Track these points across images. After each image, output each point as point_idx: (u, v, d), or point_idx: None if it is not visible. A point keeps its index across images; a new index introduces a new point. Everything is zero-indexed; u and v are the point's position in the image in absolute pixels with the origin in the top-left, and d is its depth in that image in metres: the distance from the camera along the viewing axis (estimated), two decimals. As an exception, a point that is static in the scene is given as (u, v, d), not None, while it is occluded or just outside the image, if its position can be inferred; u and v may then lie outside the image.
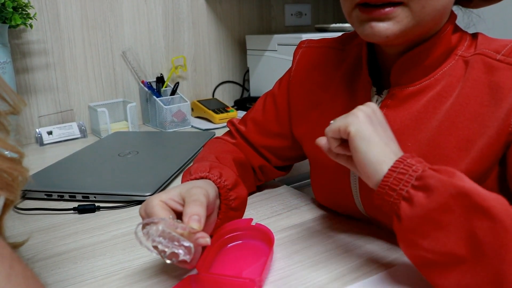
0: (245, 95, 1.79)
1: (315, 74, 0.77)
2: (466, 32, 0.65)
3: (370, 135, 0.52)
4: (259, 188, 0.89)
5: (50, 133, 1.32)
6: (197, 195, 0.56)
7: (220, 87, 1.74)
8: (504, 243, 0.43)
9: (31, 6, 1.18)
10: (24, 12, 1.15)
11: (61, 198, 0.87)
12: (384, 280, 0.57)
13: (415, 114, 0.62)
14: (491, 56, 0.59)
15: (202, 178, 0.66)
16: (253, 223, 0.66)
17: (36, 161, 1.13)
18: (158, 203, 0.56)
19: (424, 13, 0.55)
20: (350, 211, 0.73)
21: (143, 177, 0.92)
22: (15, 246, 0.51)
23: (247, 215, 0.75)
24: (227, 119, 1.20)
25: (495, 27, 1.20)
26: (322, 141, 0.57)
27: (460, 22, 0.65)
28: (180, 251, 0.51)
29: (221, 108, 1.51)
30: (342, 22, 1.65)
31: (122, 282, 0.59)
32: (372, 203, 0.67)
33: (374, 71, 0.68)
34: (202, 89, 1.69)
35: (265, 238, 0.64)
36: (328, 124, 0.56)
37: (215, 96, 1.72)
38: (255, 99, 1.62)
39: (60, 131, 1.34)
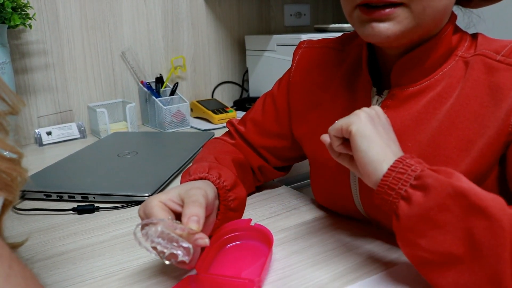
0: (244, 95, 1.79)
1: (315, 74, 0.77)
2: (466, 33, 0.65)
3: (371, 134, 0.53)
4: (259, 189, 0.89)
5: (49, 133, 1.32)
6: (196, 196, 0.56)
7: (219, 87, 1.74)
8: (501, 242, 0.44)
9: (30, 6, 1.18)
10: (23, 12, 1.15)
11: (60, 199, 0.87)
12: (383, 280, 0.57)
13: (415, 115, 0.62)
14: (491, 56, 0.59)
15: (201, 178, 0.65)
16: (252, 224, 0.66)
17: (35, 162, 1.13)
18: (157, 204, 0.56)
19: (425, 14, 0.55)
20: (350, 211, 0.73)
21: (142, 178, 0.92)
22: (14, 247, 0.51)
23: (246, 215, 0.75)
24: (226, 120, 1.20)
25: (495, 28, 1.20)
26: (325, 137, 0.58)
27: (460, 22, 0.65)
28: (179, 252, 0.51)
29: (220, 109, 1.51)
30: (341, 23, 1.65)
31: (121, 283, 0.59)
32: (371, 204, 0.67)
33: (374, 72, 0.68)
34: (201, 89, 1.69)
35: (264, 238, 0.64)
36: (328, 124, 0.58)
37: (214, 97, 1.72)
38: (254, 99, 1.62)
39: (59, 132, 1.34)
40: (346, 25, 1.52)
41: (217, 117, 1.47)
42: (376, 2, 0.55)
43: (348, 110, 0.57)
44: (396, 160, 0.51)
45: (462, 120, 0.59)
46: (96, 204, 0.83)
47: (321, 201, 0.78)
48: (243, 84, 1.79)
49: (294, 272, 0.60)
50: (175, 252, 0.51)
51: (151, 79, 1.52)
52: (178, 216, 0.56)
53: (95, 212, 0.82)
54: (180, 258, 0.52)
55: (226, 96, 1.76)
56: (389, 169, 0.51)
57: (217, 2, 1.66)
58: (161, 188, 0.88)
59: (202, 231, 0.54)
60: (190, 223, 0.53)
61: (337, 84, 0.73)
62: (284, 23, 1.86)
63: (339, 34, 0.79)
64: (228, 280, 0.56)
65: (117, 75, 1.49)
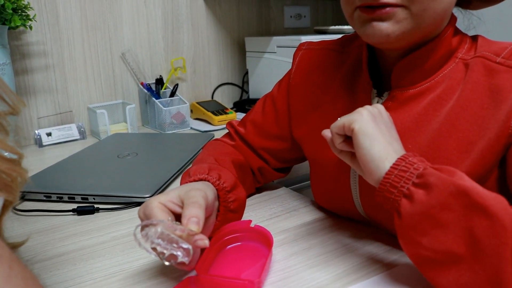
0: (244, 97, 1.79)
1: (315, 76, 0.77)
2: (466, 35, 0.65)
3: (373, 132, 0.53)
4: (258, 190, 0.89)
5: (49, 134, 1.32)
6: (196, 197, 0.56)
7: (219, 89, 1.74)
8: (503, 241, 0.44)
9: (30, 7, 1.18)
10: (23, 13, 1.15)
11: (60, 200, 0.87)
12: (384, 281, 0.57)
13: (416, 117, 0.62)
14: (491, 58, 0.59)
15: (201, 180, 0.65)
16: (252, 225, 0.66)
17: (35, 163, 1.13)
18: (157, 205, 0.56)
19: (424, 15, 0.55)
20: (350, 213, 0.73)
21: (142, 179, 0.92)
22: (14, 246, 0.51)
23: (246, 217, 0.75)
24: (226, 121, 1.20)
25: (495, 29, 1.21)
26: (327, 133, 0.58)
27: (460, 24, 0.66)
28: (179, 253, 0.51)
29: (220, 110, 1.51)
30: (341, 24, 1.65)
31: (121, 284, 0.59)
32: (371, 205, 0.67)
33: (374, 73, 0.69)
34: (201, 91, 1.70)
35: (264, 239, 0.64)
36: (328, 126, 0.58)
37: (214, 98, 1.72)
38: (254, 101, 1.62)
39: (59, 133, 1.34)
40: (346, 27, 1.52)
41: (217, 118, 1.47)
42: (376, 3, 0.55)
43: (349, 111, 0.57)
44: (398, 158, 0.51)
45: (462, 122, 0.59)
46: (96, 205, 0.83)
47: (321, 203, 0.78)
48: (243, 86, 1.79)
49: (294, 273, 0.60)
50: (174, 253, 0.51)
51: (151, 81, 1.52)
52: (178, 217, 0.56)
53: (95, 213, 0.82)
54: (180, 259, 0.52)
55: (226, 97, 1.76)
56: (391, 167, 0.51)
57: (217, 4, 1.66)
58: (161, 189, 0.88)
59: (202, 232, 0.54)
60: (190, 224, 0.53)
61: (337, 86, 0.73)
62: (284, 24, 1.86)
63: (339, 36, 0.79)
64: (228, 281, 0.56)
65: (117, 76, 1.49)
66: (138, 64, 1.52)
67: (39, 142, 1.30)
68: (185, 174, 0.69)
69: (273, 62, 1.53)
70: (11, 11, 1.09)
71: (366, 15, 0.57)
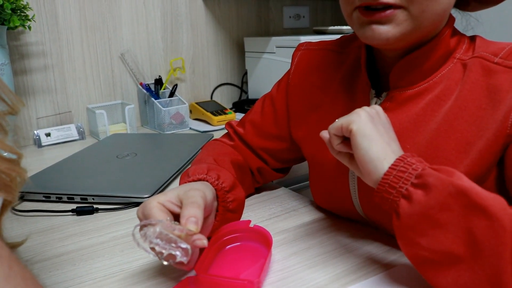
0: (244, 97, 1.79)
1: (314, 76, 0.77)
2: (464, 35, 0.65)
3: (371, 133, 0.53)
4: (257, 190, 0.89)
5: (48, 135, 1.32)
6: (195, 197, 0.56)
7: (219, 89, 1.74)
8: (502, 242, 0.44)
9: (29, 7, 1.18)
10: (22, 13, 1.15)
11: (59, 200, 0.87)
12: (382, 281, 0.57)
13: (414, 117, 0.62)
14: (489, 59, 0.59)
15: (200, 180, 0.66)
16: (251, 225, 0.66)
17: (34, 163, 1.13)
18: (156, 205, 0.56)
19: (423, 16, 0.55)
20: (349, 213, 0.73)
21: (141, 179, 0.92)
22: (13, 246, 0.51)
23: (245, 217, 0.75)
24: (226, 121, 1.20)
25: (493, 30, 1.21)
26: (325, 134, 0.58)
27: (458, 25, 0.66)
28: (177, 253, 0.52)
29: (219, 110, 1.51)
30: (340, 25, 1.65)
31: (120, 284, 0.59)
32: (370, 205, 0.67)
33: (373, 74, 0.69)
34: (200, 91, 1.70)
35: (263, 240, 0.64)
36: (327, 126, 0.58)
37: (214, 98, 1.72)
38: (253, 101, 1.62)
39: (58, 133, 1.34)
40: (345, 27, 1.52)
41: (216, 118, 1.47)
42: (376, 4, 0.55)
43: (348, 111, 0.57)
44: (397, 159, 0.51)
45: (460, 122, 0.59)
46: (95, 206, 0.83)
47: (320, 203, 0.79)
48: (242, 86, 1.79)
49: (293, 273, 0.60)
50: (173, 253, 0.52)
51: (150, 81, 1.52)
52: (176, 217, 0.56)
53: (94, 214, 0.82)
54: (179, 259, 0.52)
55: (225, 98, 1.76)
56: (390, 168, 0.51)
57: (216, 4, 1.66)
58: (160, 190, 0.88)
59: (201, 232, 0.54)
60: (189, 224, 0.53)
61: (336, 86, 0.73)
62: (283, 25, 1.86)
63: (338, 36, 0.79)
64: (227, 281, 0.56)
65: (116, 77, 1.49)
66: (137, 65, 1.52)
67: (38, 143, 1.30)
68: (184, 174, 0.69)
69: (272, 63, 1.53)
70: (10, 11, 1.09)
71: (365, 18, 0.57)
